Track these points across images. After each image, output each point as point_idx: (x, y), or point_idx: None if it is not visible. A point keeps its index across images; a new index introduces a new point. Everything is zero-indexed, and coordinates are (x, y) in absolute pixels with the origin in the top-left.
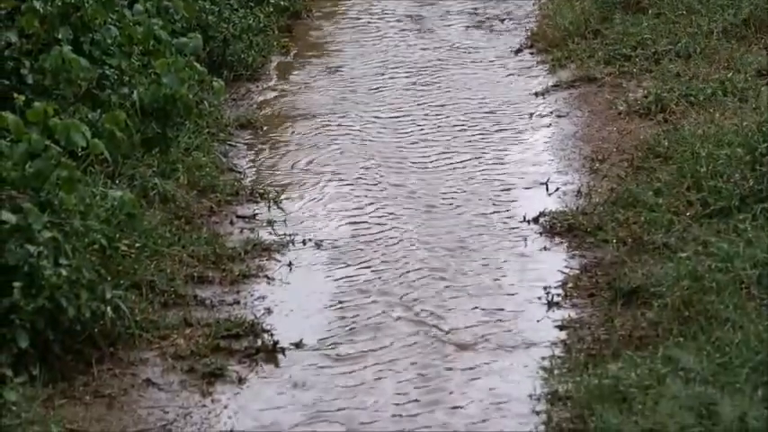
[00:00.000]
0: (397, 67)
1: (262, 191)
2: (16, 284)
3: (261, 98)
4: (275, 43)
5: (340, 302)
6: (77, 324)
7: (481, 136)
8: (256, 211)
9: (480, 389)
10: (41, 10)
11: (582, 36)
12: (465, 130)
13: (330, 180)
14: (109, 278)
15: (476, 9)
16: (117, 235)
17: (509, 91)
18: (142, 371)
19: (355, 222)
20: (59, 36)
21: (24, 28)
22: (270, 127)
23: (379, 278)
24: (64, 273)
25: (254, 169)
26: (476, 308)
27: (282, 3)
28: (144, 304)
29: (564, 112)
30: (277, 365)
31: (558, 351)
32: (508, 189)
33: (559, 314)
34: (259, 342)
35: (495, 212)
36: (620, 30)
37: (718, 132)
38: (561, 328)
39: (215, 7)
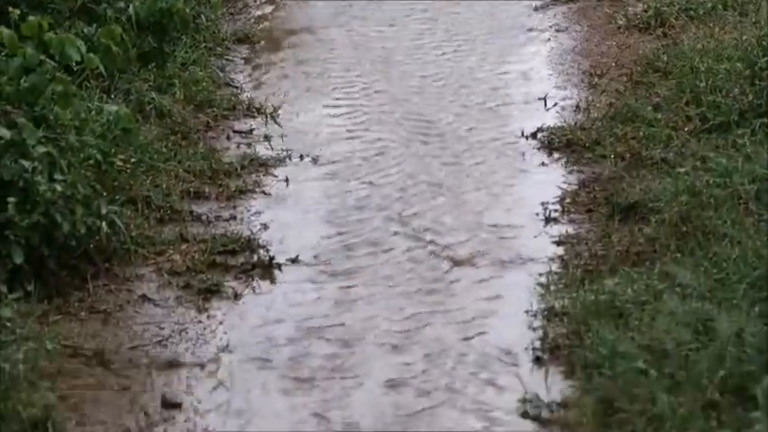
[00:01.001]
0: None
1: (259, 106)
2: (11, 200)
3: (258, 12)
4: None
5: (337, 218)
6: (72, 240)
7: (480, 50)
8: (253, 127)
9: (476, 304)
10: None
11: None
12: (464, 43)
13: (328, 95)
14: (104, 193)
15: None
16: (112, 150)
17: (509, 5)
18: (138, 287)
19: (353, 138)
20: None
21: None
22: (267, 41)
23: (377, 194)
24: (59, 188)
25: (251, 84)
26: (473, 223)
27: None
28: (140, 220)
29: (563, 27)
30: (273, 281)
31: (554, 267)
32: (506, 104)
33: (557, 230)
34: (255, 258)
35: (492, 128)
36: None
37: (718, 47)
38: (558, 243)
39: None
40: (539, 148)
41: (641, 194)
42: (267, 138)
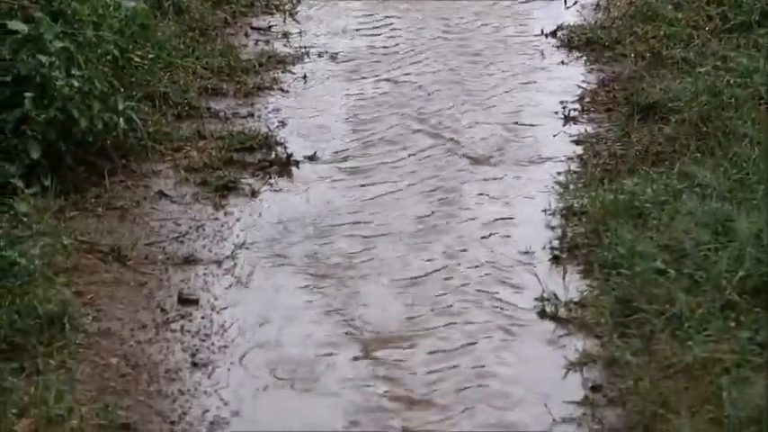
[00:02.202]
0: None
1: (277, 2)
2: (28, 95)
3: None
4: None
5: (355, 115)
6: (89, 135)
7: None
8: (271, 23)
9: (495, 203)
10: None
11: None
12: None
13: None
14: (121, 89)
15: None
16: (130, 46)
17: None
18: (155, 183)
19: (372, 35)
20: None
21: None
22: None
23: (396, 91)
24: (76, 83)
25: None
26: (492, 121)
27: None
28: (157, 116)
29: None
30: (291, 178)
31: (573, 166)
32: (526, 1)
33: (576, 129)
34: (273, 155)
35: (512, 26)
36: None
37: None
38: (577, 142)
39: None
40: (558, 47)
41: (661, 94)
42: (285, 35)
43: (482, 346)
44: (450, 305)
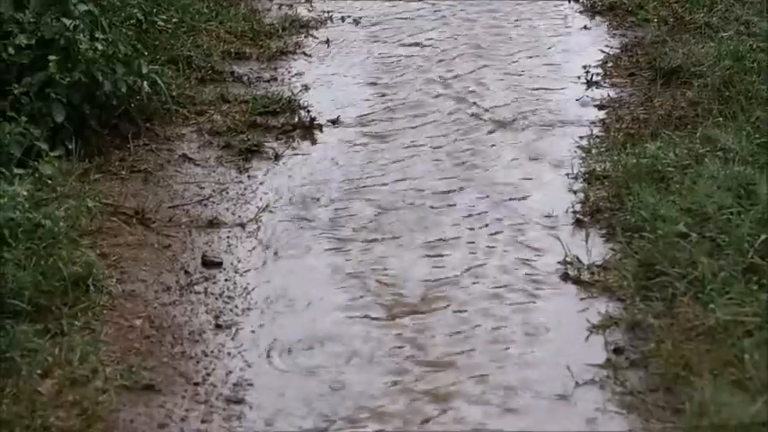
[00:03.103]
0: None
1: None
2: (52, 58)
3: None
4: None
5: (378, 79)
6: (113, 99)
7: None
8: None
9: (518, 167)
10: None
11: None
12: None
13: None
14: (145, 53)
15: None
16: (154, 10)
17: None
18: (178, 146)
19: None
20: None
21: None
22: None
23: (419, 55)
24: (100, 47)
25: None
26: (515, 86)
27: None
28: (180, 80)
29: None
30: (314, 142)
31: (596, 130)
32: None
33: (598, 93)
34: (296, 119)
35: None
36: None
37: None
38: (600, 107)
39: None
40: (581, 12)
41: (684, 59)
42: None
43: (505, 309)
44: (473, 268)
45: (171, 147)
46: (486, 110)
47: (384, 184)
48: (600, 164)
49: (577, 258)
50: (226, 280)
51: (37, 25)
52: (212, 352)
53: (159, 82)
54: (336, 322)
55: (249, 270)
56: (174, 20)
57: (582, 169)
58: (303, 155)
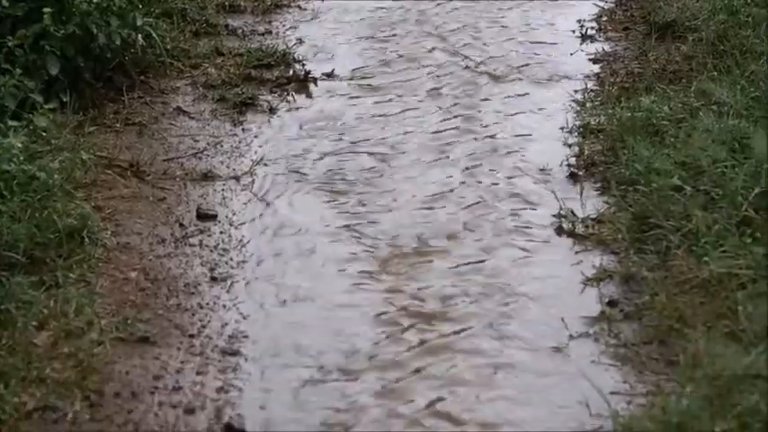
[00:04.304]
0: None
1: None
2: (46, 10)
3: None
4: None
5: (373, 33)
6: (108, 51)
7: None
8: None
9: (512, 120)
10: None
11: None
12: None
13: None
14: (140, 6)
15: None
16: None
17: None
18: (173, 99)
19: None
20: None
21: None
22: None
23: (414, 9)
24: None
25: None
26: (510, 39)
27: None
28: (175, 33)
29: None
30: (308, 95)
31: (591, 84)
32: None
33: (593, 47)
34: (290, 72)
35: None
36: None
37: None
38: (595, 61)
39: None
40: None
41: (678, 13)
42: None
43: (499, 262)
44: (468, 221)
45: (165, 100)
46: (482, 63)
47: (378, 137)
48: (594, 117)
49: (572, 211)
50: (221, 232)
51: None
52: (207, 304)
53: (154, 35)
54: (331, 274)
55: (244, 223)
56: None
57: (576, 123)
58: (298, 108)
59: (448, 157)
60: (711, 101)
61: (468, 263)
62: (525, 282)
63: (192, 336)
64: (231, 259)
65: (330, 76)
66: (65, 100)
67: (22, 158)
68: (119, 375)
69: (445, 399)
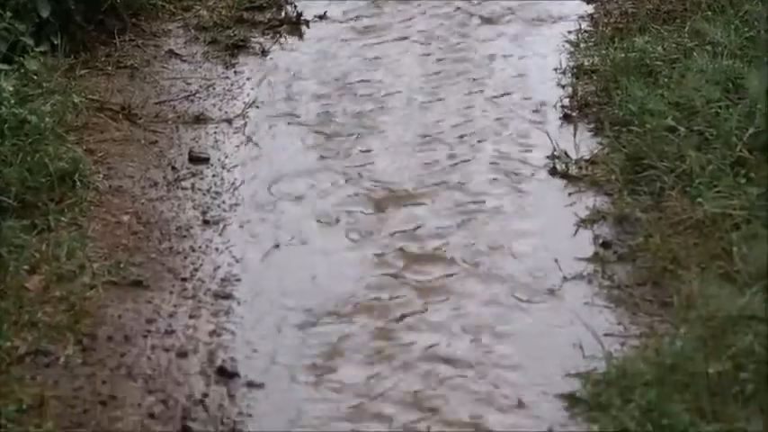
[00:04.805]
0: None
1: None
2: None
3: None
4: None
5: None
6: None
7: None
8: None
9: (506, 61)
10: None
11: None
12: None
13: None
14: None
15: None
16: None
17: None
18: (165, 42)
19: None
20: None
21: None
22: None
23: None
24: None
25: None
26: None
27: None
28: None
29: None
30: (301, 37)
31: (584, 25)
32: None
33: None
34: (282, 14)
35: None
36: None
37: None
38: (588, 1)
39: None
40: None
41: None
42: None
43: (493, 203)
44: (461, 163)
45: (157, 42)
46: (475, 4)
47: (372, 80)
48: (588, 58)
49: (565, 153)
50: (213, 176)
51: None
52: (200, 247)
53: None
54: (325, 214)
55: (236, 165)
56: None
57: (570, 64)
58: (290, 50)
59: (442, 98)
60: (705, 41)
61: (461, 204)
62: (518, 223)
63: (184, 279)
64: (224, 202)
65: (322, 17)
66: (56, 43)
67: (13, 102)
68: (111, 319)
69: (438, 343)
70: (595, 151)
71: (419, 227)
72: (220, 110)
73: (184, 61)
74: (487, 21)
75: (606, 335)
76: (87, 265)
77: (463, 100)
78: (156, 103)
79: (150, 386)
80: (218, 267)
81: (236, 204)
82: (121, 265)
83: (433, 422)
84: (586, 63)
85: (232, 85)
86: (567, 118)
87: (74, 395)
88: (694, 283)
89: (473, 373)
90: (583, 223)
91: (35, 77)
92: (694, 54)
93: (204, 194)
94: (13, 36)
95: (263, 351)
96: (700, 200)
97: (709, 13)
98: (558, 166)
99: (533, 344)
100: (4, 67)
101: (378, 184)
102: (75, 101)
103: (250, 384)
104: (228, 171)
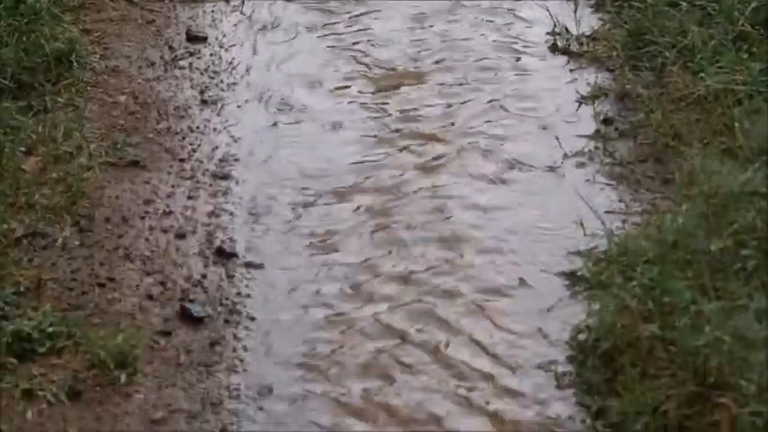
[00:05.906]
0: None
1: None
2: None
3: None
4: None
5: None
6: None
7: None
8: None
9: None
10: None
11: None
12: None
13: None
14: None
15: None
16: None
17: None
18: None
19: None
20: None
21: None
22: None
23: None
24: None
25: None
26: None
27: None
28: None
29: None
30: None
31: None
32: None
33: None
34: None
35: None
36: None
37: None
38: None
39: None
40: None
41: None
42: None
43: (493, 80)
44: (461, 40)
45: None
46: None
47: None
48: None
49: (566, 29)
50: (211, 55)
51: None
52: (198, 127)
53: None
54: (323, 96)
55: (234, 45)
56: None
57: None
58: None
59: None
60: None
61: (462, 83)
62: (519, 100)
63: (182, 159)
64: (221, 82)
65: None
66: None
67: None
68: (109, 200)
69: (434, 221)
70: (596, 27)
71: (420, 105)
72: None
73: None
74: None
75: (608, 212)
76: (84, 145)
77: None
78: None
79: (148, 267)
80: (217, 147)
81: (233, 84)
82: (119, 146)
83: (432, 302)
84: None
85: None
86: None
87: (71, 277)
88: (696, 160)
89: (472, 252)
90: (584, 100)
91: None
92: None
93: (202, 74)
94: None
95: (261, 230)
96: (702, 75)
97: None
98: (558, 43)
99: (533, 222)
100: None
101: (378, 62)
102: None
103: (249, 265)
104: (226, 50)
